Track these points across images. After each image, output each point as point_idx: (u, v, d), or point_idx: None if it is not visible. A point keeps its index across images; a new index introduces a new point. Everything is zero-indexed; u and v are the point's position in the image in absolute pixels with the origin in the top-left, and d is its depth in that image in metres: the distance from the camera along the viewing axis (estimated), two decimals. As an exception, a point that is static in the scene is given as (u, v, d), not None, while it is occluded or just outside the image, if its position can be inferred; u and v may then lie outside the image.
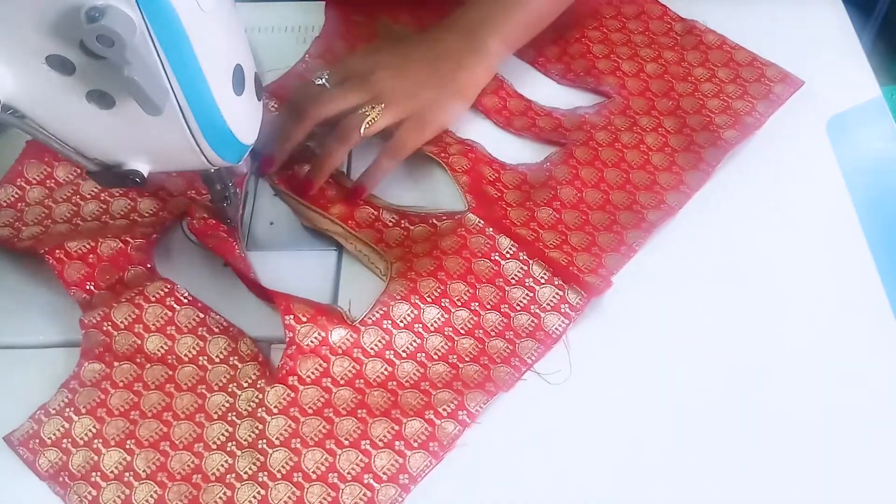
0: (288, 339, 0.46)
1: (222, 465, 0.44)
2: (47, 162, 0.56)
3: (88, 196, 0.55)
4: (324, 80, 0.55)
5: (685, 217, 0.53)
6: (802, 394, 0.46)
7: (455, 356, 0.47)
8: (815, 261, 0.51)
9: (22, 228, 0.53)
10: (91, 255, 0.50)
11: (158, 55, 0.38)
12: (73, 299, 0.49)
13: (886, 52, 0.84)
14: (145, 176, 0.44)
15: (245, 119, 0.45)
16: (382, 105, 0.53)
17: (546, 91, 0.60)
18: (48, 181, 0.56)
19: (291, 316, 0.47)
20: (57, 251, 0.50)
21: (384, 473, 0.44)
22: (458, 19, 0.57)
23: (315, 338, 0.47)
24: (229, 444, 0.45)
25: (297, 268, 0.52)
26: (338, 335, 0.47)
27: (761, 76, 0.58)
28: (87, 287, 0.50)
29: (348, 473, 0.43)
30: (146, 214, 0.54)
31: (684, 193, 0.53)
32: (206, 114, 0.41)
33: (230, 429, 0.45)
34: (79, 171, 0.56)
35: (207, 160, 0.44)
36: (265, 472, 0.43)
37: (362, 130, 0.52)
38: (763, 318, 0.49)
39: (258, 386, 0.46)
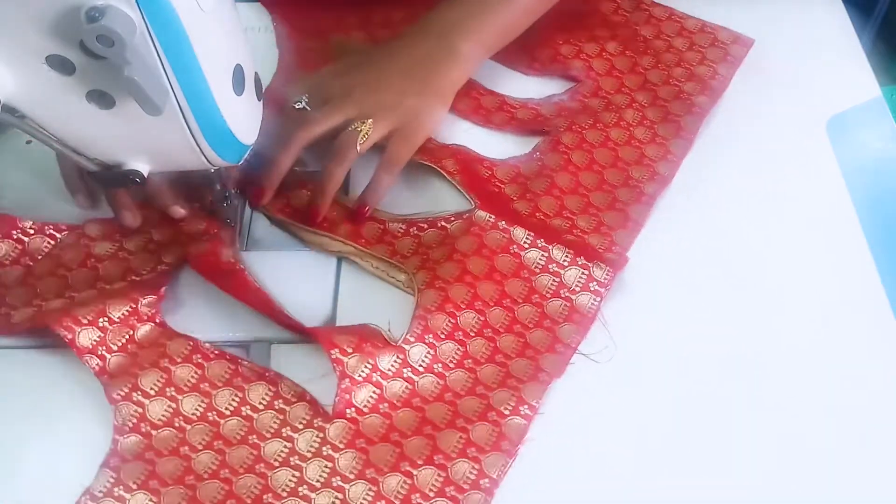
0: (339, 373, 0.45)
1: (300, 511, 0.43)
2: (17, 239, 0.52)
3: (74, 266, 0.51)
4: (304, 104, 0.54)
5: (687, 218, 0.54)
6: (804, 394, 0.46)
7: (501, 355, 0.48)
8: (815, 261, 0.51)
9: (11, 313, 0.49)
10: (102, 319, 0.47)
11: (158, 55, 0.37)
12: (87, 366, 0.47)
13: (886, 52, 0.86)
14: (145, 176, 0.44)
15: (245, 119, 0.45)
16: (371, 119, 0.52)
17: (516, 85, 0.61)
18: (23, 258, 0.52)
19: (337, 350, 0.46)
20: (65, 320, 0.47)
21: (465, 483, 0.44)
22: (427, 25, 0.57)
23: (365, 367, 0.46)
24: (300, 488, 0.43)
25: (297, 268, 0.52)
26: (387, 361, 0.47)
27: (715, 41, 0.62)
28: (100, 352, 0.47)
29: (430, 491, 0.43)
30: (144, 272, 0.51)
31: (673, 162, 0.56)
32: (206, 114, 0.41)
33: (297, 473, 0.44)
34: (55, 240, 0.53)
35: (207, 160, 0.44)
36: (348, 508, 0.43)
37: (359, 147, 0.52)
38: (765, 319, 0.49)
39: (316, 425, 0.45)
